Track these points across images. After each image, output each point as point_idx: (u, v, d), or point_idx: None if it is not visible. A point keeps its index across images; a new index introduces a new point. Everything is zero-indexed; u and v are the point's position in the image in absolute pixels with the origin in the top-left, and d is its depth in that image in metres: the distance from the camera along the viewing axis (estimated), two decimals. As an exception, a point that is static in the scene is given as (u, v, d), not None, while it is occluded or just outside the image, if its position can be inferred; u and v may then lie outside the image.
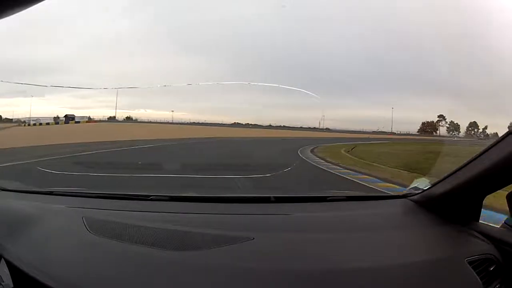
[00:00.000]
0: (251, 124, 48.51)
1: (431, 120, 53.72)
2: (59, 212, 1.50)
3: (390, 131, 46.74)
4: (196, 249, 1.13)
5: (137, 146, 16.75)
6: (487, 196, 1.38)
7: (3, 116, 45.47)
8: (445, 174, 1.43)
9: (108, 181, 6.56)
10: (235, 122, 49.48)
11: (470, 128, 48.59)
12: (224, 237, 1.21)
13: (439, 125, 54.37)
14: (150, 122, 48.69)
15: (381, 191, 6.20)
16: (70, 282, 0.99)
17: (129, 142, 18.16)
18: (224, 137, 27.34)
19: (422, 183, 1.68)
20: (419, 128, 53.76)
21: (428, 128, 55.49)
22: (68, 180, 6.83)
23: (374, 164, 11.91)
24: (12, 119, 44.56)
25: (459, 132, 50.41)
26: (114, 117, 47.68)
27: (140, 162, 10.64)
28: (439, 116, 52.89)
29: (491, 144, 1.20)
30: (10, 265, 1.05)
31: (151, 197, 1.72)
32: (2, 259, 1.07)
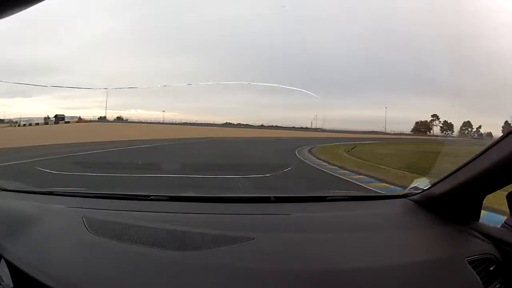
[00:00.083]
0: (242, 124, 48.20)
1: (425, 119, 53.82)
2: (59, 212, 1.51)
3: (384, 131, 46.54)
4: (196, 249, 1.13)
5: (128, 146, 16.09)
6: (487, 196, 1.38)
7: (-5, 116, 44.67)
8: (445, 174, 1.43)
9: (102, 181, 6.49)
10: (226, 122, 49.35)
11: (463, 128, 48.59)
12: (224, 237, 1.20)
13: (433, 124, 54.49)
14: (141, 122, 48.43)
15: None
16: (70, 282, 0.99)
17: (119, 142, 17.58)
18: (216, 137, 26.94)
19: (422, 183, 1.68)
20: (413, 127, 53.82)
21: (422, 127, 55.58)
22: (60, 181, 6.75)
23: (382, 166, 11.14)
24: (3, 120, 43.87)
25: (453, 131, 50.47)
26: (105, 117, 47.44)
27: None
28: (432, 116, 52.99)
29: (491, 144, 1.20)
30: (10, 265, 1.05)
31: (150, 197, 1.72)
32: (2, 259, 1.07)
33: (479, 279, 1.07)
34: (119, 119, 49.55)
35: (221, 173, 8.09)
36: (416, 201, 1.62)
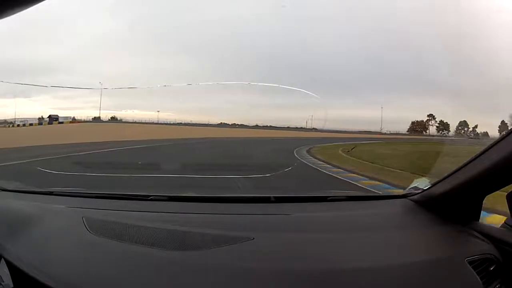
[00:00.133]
0: (237, 124, 48.13)
1: (421, 119, 53.86)
2: (59, 212, 1.50)
3: (380, 131, 46.45)
4: (196, 249, 1.13)
5: (118, 148, 15.51)
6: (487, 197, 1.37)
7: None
8: (445, 174, 1.43)
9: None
10: (221, 122, 49.30)
11: (459, 127, 48.66)
12: (224, 237, 1.20)
13: (429, 124, 54.55)
14: (135, 122, 48.22)
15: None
16: (70, 282, 0.99)
17: (112, 143, 17.05)
18: (212, 138, 26.59)
19: (422, 183, 1.68)
20: (408, 127, 53.83)
21: (418, 127, 55.62)
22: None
23: (394, 169, 10.18)
24: (-1, 120, 43.51)
25: (449, 131, 50.58)
26: (99, 117, 47.25)
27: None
28: (428, 115, 53.03)
29: (491, 144, 1.20)
30: (10, 265, 1.05)
31: (150, 197, 1.72)
32: (2, 259, 1.07)
33: (479, 279, 1.07)
34: (113, 119, 49.40)
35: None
36: (416, 201, 1.61)
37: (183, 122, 47.25)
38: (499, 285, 1.12)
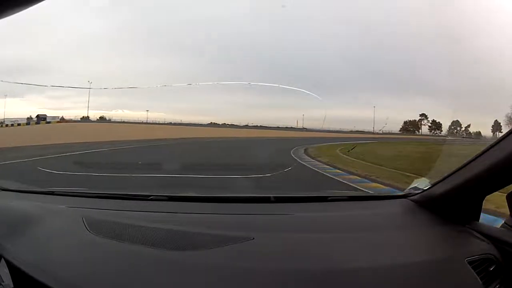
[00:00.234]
0: (227, 124, 48.06)
1: (413, 119, 53.57)
2: (59, 212, 1.50)
3: (372, 131, 45.80)
4: (196, 249, 1.13)
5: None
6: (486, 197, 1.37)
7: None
8: (445, 174, 1.43)
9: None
10: (211, 122, 49.46)
11: (452, 127, 48.32)
12: (224, 237, 1.20)
13: (421, 124, 54.31)
14: (124, 122, 47.66)
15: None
16: (70, 282, 0.99)
17: (89, 144, 16.39)
18: (202, 138, 26.07)
19: (422, 183, 1.67)
20: (401, 127, 53.51)
21: (410, 127, 55.43)
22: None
23: (410, 174, 8.32)
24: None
25: (441, 131, 50.35)
26: (88, 117, 46.84)
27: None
28: (421, 115, 52.88)
29: (491, 144, 1.20)
30: (10, 265, 1.05)
31: (150, 197, 1.71)
32: (2, 259, 1.07)
33: (479, 279, 1.06)
34: (102, 119, 49.19)
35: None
36: (416, 201, 1.61)
37: (172, 122, 47.05)
38: (498, 285, 1.12)
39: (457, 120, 43.63)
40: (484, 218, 1.43)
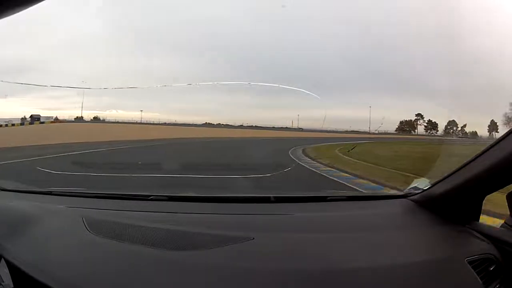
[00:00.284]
0: (222, 124, 47.94)
1: (409, 118, 53.76)
2: (59, 212, 1.50)
3: (368, 131, 45.79)
4: (196, 249, 1.12)
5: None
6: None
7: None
8: (445, 174, 1.43)
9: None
10: (206, 122, 49.43)
11: (448, 127, 48.53)
12: (224, 237, 1.20)
13: (417, 123, 54.51)
14: (118, 122, 47.41)
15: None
16: (70, 282, 0.99)
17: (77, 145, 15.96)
18: (196, 138, 25.84)
19: (422, 183, 1.67)
20: (397, 127, 53.67)
21: (406, 127, 55.62)
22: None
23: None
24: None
25: (437, 130, 50.54)
26: (81, 117, 46.69)
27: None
28: (416, 115, 53.08)
29: (491, 144, 1.20)
30: (10, 265, 1.05)
31: (150, 197, 1.71)
32: (2, 259, 1.07)
33: (479, 279, 1.06)
34: (95, 119, 49.08)
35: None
36: (416, 201, 1.61)
37: (167, 122, 46.84)
38: (498, 285, 1.11)
39: (453, 120, 43.85)
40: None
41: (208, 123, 48.43)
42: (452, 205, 1.41)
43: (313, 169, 10.51)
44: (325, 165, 11.53)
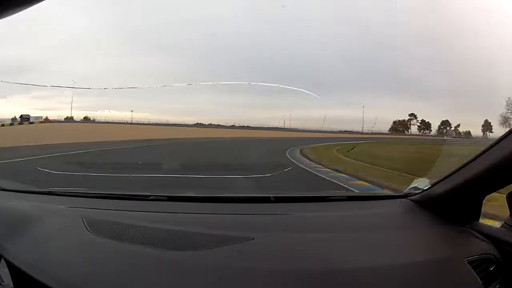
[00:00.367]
0: (214, 124, 47.75)
1: (403, 118, 54.05)
2: (59, 212, 1.50)
3: (361, 131, 45.84)
4: (196, 249, 1.13)
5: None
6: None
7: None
8: (445, 174, 1.43)
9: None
10: (197, 123, 49.24)
11: (442, 127, 48.87)
12: (224, 237, 1.20)
13: (411, 123, 54.83)
14: (108, 122, 47.01)
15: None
16: (70, 282, 0.99)
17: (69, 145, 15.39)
18: (189, 139, 25.51)
19: (422, 183, 1.68)
20: (390, 127, 53.88)
21: (400, 126, 55.89)
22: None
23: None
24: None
25: (431, 130, 50.86)
26: (72, 117, 46.10)
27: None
28: (410, 115, 53.37)
29: (491, 144, 1.20)
30: (10, 265, 1.05)
31: (150, 197, 1.71)
32: (2, 259, 1.07)
33: (479, 279, 1.07)
34: (86, 119, 48.43)
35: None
36: (416, 201, 1.61)
37: (158, 123, 46.48)
38: (498, 285, 1.12)
39: (447, 120, 44.16)
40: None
41: (199, 123, 48.08)
42: (452, 205, 1.41)
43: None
44: (324, 166, 11.26)
